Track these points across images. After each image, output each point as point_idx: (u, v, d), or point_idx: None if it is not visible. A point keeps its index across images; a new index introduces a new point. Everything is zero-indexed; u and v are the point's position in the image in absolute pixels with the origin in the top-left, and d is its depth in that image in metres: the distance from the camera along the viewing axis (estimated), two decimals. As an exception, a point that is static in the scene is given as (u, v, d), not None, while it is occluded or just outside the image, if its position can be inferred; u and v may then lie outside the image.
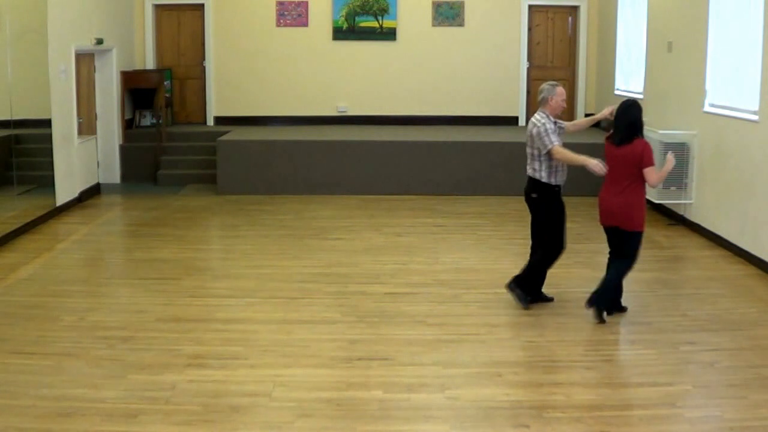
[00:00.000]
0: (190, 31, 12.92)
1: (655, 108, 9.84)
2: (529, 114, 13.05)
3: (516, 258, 8.02)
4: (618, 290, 6.19)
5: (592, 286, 6.79)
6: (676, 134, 9.06)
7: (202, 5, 12.76)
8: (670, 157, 6.12)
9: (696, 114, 8.79)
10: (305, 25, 12.82)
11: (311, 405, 4.68)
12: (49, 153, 9.55)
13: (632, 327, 6.16)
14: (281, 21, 12.81)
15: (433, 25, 12.88)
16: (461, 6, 12.82)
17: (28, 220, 8.95)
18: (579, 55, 13.06)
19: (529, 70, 13.06)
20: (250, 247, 8.35)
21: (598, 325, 6.17)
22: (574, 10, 13.03)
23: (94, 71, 11.25)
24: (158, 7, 12.83)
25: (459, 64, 12.87)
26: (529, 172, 6.24)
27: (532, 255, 6.51)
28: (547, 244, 6.32)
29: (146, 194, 10.95)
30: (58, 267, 7.65)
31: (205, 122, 13.02)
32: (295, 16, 12.81)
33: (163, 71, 12.34)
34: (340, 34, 12.84)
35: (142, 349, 5.51)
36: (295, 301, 6.55)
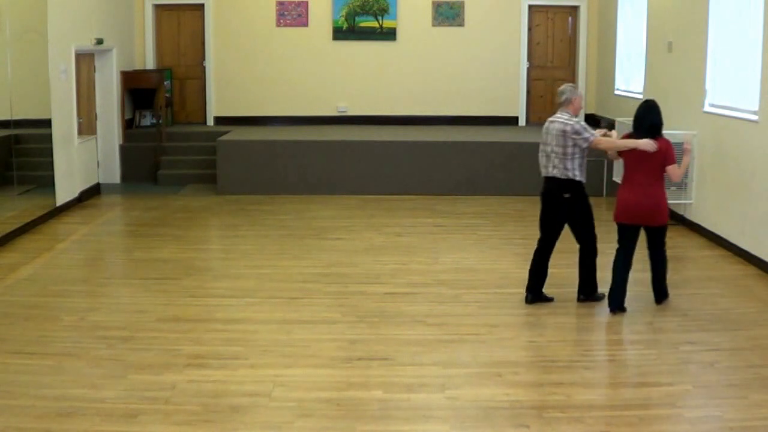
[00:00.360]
0: (190, 31, 12.92)
1: (655, 108, 9.82)
2: (530, 114, 13.09)
3: (516, 258, 8.03)
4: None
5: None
6: (676, 134, 9.04)
7: (202, 5, 12.76)
8: (687, 147, 6.26)
9: (696, 114, 8.79)
10: (305, 25, 12.82)
11: (311, 405, 4.68)
12: (49, 153, 9.55)
13: (632, 327, 6.17)
14: (281, 21, 12.81)
15: (433, 25, 12.88)
16: (461, 6, 12.82)
17: (28, 220, 8.95)
18: (579, 55, 13.06)
19: (529, 70, 13.07)
20: (250, 247, 8.35)
21: (598, 325, 6.18)
22: (574, 10, 13.03)
23: (94, 71, 11.25)
24: (158, 7, 12.83)
25: (459, 64, 12.87)
26: (557, 172, 6.19)
27: (540, 251, 6.46)
28: (589, 239, 6.41)
29: (146, 194, 10.95)
30: (58, 267, 7.65)
31: (205, 122, 13.02)
32: (295, 16, 12.81)
33: (163, 71, 12.34)
34: (340, 34, 12.84)
35: (142, 349, 5.51)
36: (295, 301, 6.55)
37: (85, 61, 10.83)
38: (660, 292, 6.46)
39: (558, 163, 6.18)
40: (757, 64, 7.43)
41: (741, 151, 7.81)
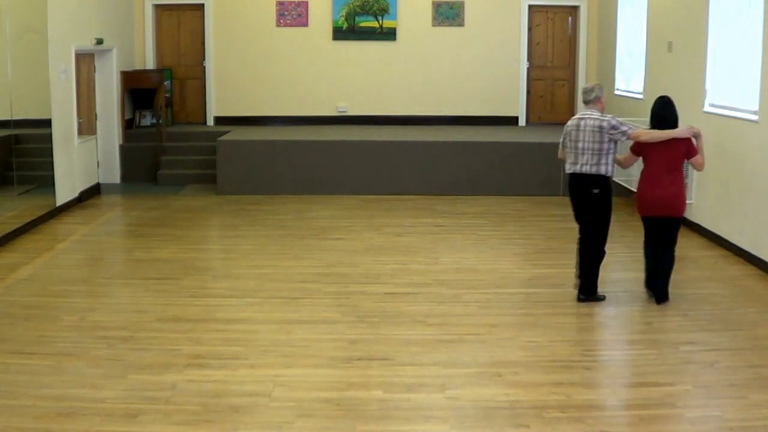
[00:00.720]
0: (190, 31, 12.92)
1: (655, 108, 9.82)
2: (530, 114, 13.09)
3: (516, 258, 8.03)
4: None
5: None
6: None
7: (202, 5, 12.76)
8: (697, 131, 6.32)
9: (696, 114, 8.79)
10: (305, 25, 12.82)
11: (311, 405, 4.68)
12: (49, 153, 9.55)
13: (632, 327, 6.17)
14: (281, 21, 12.81)
15: (433, 25, 12.88)
16: (461, 6, 12.82)
17: (28, 220, 8.95)
18: (579, 55, 13.06)
19: (529, 70, 13.06)
20: (250, 247, 8.35)
21: (598, 325, 6.18)
22: (574, 10, 13.03)
23: (94, 71, 11.25)
24: (158, 7, 12.83)
25: (459, 64, 12.87)
26: (588, 168, 6.31)
27: (587, 248, 6.47)
28: (600, 239, 6.47)
29: (146, 194, 10.95)
30: (58, 267, 7.65)
31: (205, 122, 13.02)
32: (295, 16, 12.81)
33: (163, 71, 12.34)
34: (340, 34, 12.84)
35: (142, 349, 5.51)
36: (295, 301, 6.55)
37: (85, 61, 10.83)
38: (662, 293, 6.43)
39: (591, 159, 6.29)
40: (757, 64, 7.43)
41: (741, 151, 7.81)
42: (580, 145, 6.32)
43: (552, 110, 13.24)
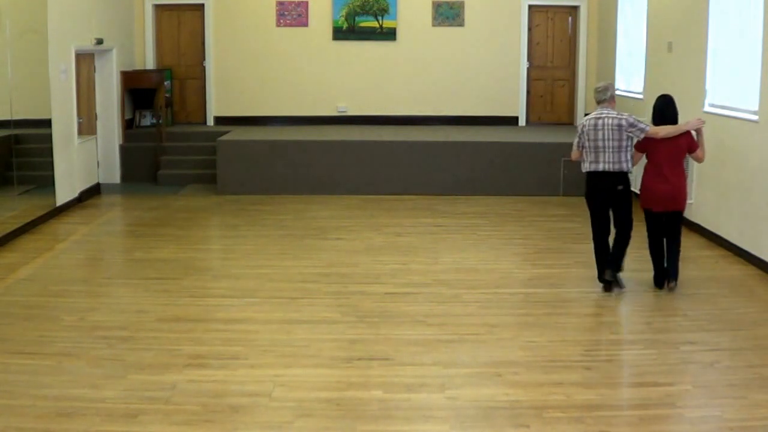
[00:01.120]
0: (190, 31, 12.92)
1: (655, 108, 9.82)
2: (530, 114, 13.09)
3: (516, 258, 8.03)
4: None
5: (592, 286, 6.82)
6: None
7: (202, 5, 12.75)
8: (698, 123, 6.64)
9: (696, 114, 8.77)
10: (305, 25, 12.82)
11: (311, 405, 4.68)
12: (49, 153, 9.55)
13: (632, 327, 6.17)
14: (281, 21, 12.81)
15: (433, 25, 12.88)
16: (461, 6, 12.82)
17: (28, 220, 8.95)
18: (579, 55, 13.05)
19: (529, 70, 13.06)
20: (250, 247, 8.35)
21: (598, 325, 6.18)
22: (574, 10, 13.03)
23: (94, 71, 11.25)
24: (158, 7, 12.82)
25: (459, 64, 12.87)
26: (611, 166, 6.50)
27: (600, 239, 6.70)
28: (628, 225, 6.67)
29: (146, 194, 10.95)
30: (58, 267, 7.65)
31: (205, 122, 13.02)
32: (295, 16, 12.81)
33: (163, 71, 12.35)
34: (340, 34, 12.84)
35: (142, 349, 5.51)
36: (295, 301, 6.55)
37: (85, 61, 10.83)
38: (674, 272, 6.69)
39: (611, 157, 6.47)
40: (757, 64, 7.42)
41: (741, 151, 7.81)
42: (601, 143, 6.48)
43: (552, 110, 13.24)
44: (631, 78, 11.35)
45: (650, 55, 10.34)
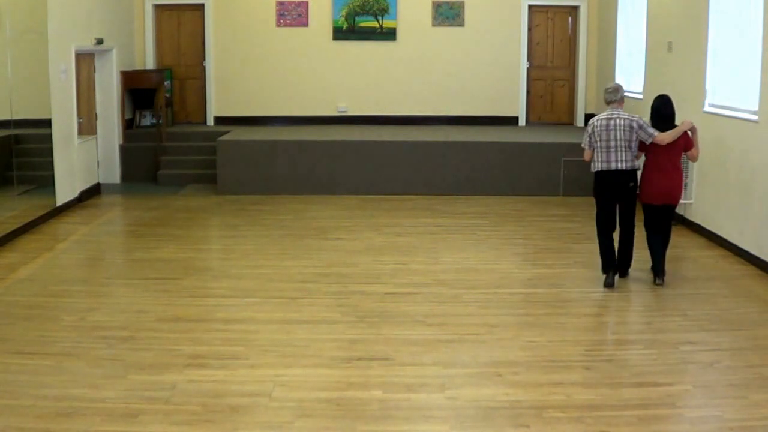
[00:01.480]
0: (190, 31, 12.92)
1: (655, 108, 9.82)
2: (530, 114, 13.09)
3: (516, 258, 8.03)
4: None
5: (592, 286, 6.83)
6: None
7: (202, 5, 12.76)
8: (692, 124, 6.84)
9: (696, 114, 8.78)
10: (305, 25, 12.82)
11: (311, 405, 4.68)
12: (49, 153, 9.54)
13: (632, 327, 6.17)
14: (281, 21, 12.81)
15: (433, 25, 12.88)
16: (461, 6, 12.82)
17: (28, 220, 8.95)
18: (579, 55, 13.06)
19: (529, 70, 13.06)
20: (250, 247, 8.35)
21: (598, 325, 6.18)
22: (574, 10, 13.03)
23: (94, 71, 11.25)
24: (158, 7, 12.83)
25: (459, 64, 12.87)
26: (623, 165, 6.71)
27: (606, 235, 6.88)
28: (632, 221, 6.91)
29: (146, 194, 10.95)
30: (58, 267, 7.65)
31: (205, 122, 13.02)
32: (295, 16, 12.81)
33: (163, 71, 12.35)
34: (340, 34, 12.84)
35: (142, 349, 5.51)
36: (295, 301, 6.55)
37: (85, 61, 10.83)
38: (663, 270, 6.92)
39: (624, 156, 6.70)
40: (757, 64, 7.43)
41: (741, 151, 7.81)
42: (613, 143, 6.68)
43: (552, 110, 13.24)
44: (631, 78, 11.34)
45: (650, 55, 10.34)
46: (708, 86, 8.61)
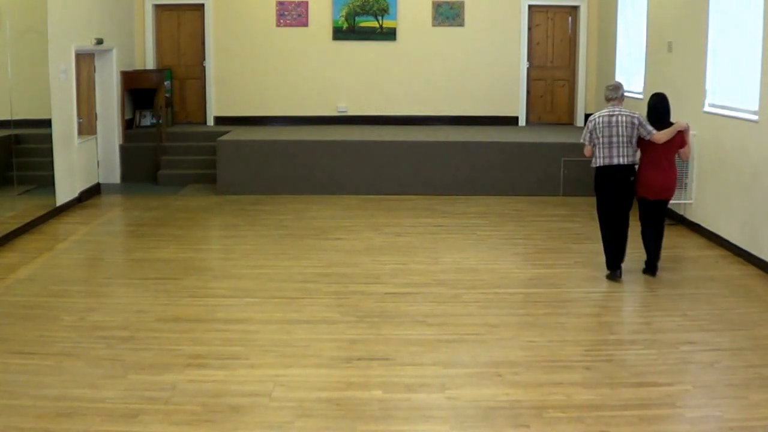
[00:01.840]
0: (190, 31, 12.92)
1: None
2: (530, 114, 13.09)
3: (516, 258, 8.03)
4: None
5: (592, 286, 6.83)
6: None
7: (202, 5, 12.76)
8: (685, 125, 7.02)
9: (696, 114, 8.79)
10: (305, 25, 12.82)
11: (311, 405, 4.68)
12: (49, 153, 9.54)
13: (632, 327, 6.17)
14: (281, 21, 12.81)
15: (433, 25, 12.88)
16: (461, 6, 12.82)
17: (28, 220, 8.95)
18: (579, 55, 13.06)
19: (529, 70, 13.06)
20: (250, 247, 8.35)
21: (598, 325, 6.18)
22: (574, 10, 13.03)
23: (94, 71, 11.25)
24: (158, 7, 12.83)
25: (459, 64, 12.87)
26: (625, 160, 6.88)
27: (611, 230, 7.00)
28: (628, 215, 7.04)
29: (146, 194, 10.95)
30: (58, 267, 7.65)
31: (205, 122, 13.02)
32: (295, 16, 12.81)
33: (163, 71, 12.34)
34: (340, 34, 12.84)
35: (142, 349, 5.51)
36: (295, 301, 6.55)
37: (85, 61, 10.83)
38: (656, 263, 7.14)
39: (626, 151, 6.87)
40: (757, 64, 7.42)
41: (741, 151, 7.81)
42: (615, 139, 6.85)
43: (552, 110, 13.24)
44: (631, 78, 11.34)
45: (650, 55, 10.34)
46: (708, 86, 8.61)
